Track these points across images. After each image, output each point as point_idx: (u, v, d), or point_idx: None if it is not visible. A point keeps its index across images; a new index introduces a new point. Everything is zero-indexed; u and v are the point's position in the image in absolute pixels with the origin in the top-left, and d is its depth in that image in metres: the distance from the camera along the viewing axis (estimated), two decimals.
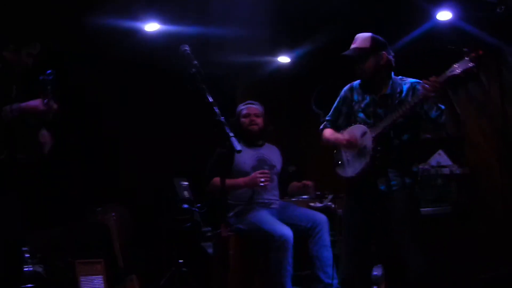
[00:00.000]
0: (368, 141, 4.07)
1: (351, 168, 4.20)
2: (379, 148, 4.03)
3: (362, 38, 4.20)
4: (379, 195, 4.11)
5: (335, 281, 4.87)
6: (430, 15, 6.10)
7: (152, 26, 6.51)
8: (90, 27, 6.08)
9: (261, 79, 8.37)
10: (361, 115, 4.25)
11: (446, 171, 5.96)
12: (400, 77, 4.24)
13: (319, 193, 6.29)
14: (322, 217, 5.01)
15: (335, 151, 4.40)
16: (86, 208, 6.38)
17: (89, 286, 5.56)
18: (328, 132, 4.49)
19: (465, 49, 3.73)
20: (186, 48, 3.75)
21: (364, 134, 4.13)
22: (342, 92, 4.45)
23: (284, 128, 8.16)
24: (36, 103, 3.83)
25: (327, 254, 4.92)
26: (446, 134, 4.12)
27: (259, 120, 5.35)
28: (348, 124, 4.34)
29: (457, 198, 5.96)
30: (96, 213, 6.20)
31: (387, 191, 4.09)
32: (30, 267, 5.39)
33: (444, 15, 6.07)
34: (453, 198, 5.93)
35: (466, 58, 3.72)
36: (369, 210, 4.17)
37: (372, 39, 4.16)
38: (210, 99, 3.59)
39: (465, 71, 3.71)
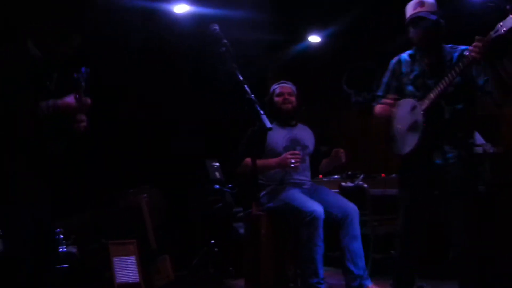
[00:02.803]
0: (418, 116, 3.95)
1: (405, 144, 4.07)
2: (430, 121, 3.91)
3: (429, 2, 3.99)
4: (435, 169, 3.99)
5: (365, 272, 4.83)
6: None
7: (181, 8, 6.51)
8: (117, 9, 6.08)
9: (291, 59, 8.35)
10: (410, 87, 4.13)
11: (479, 150, 5.87)
12: (450, 45, 4.07)
13: (350, 172, 6.27)
14: (353, 208, 4.93)
15: (388, 128, 4.27)
16: (118, 190, 6.43)
17: (122, 266, 5.61)
18: (378, 108, 4.37)
19: (507, 6, 3.50)
20: (216, 27, 3.75)
21: (413, 108, 4.00)
22: (390, 66, 4.31)
23: (315, 108, 8.15)
24: (70, 100, 3.85)
25: (357, 245, 4.85)
26: (493, 104, 3.92)
27: (293, 99, 5.30)
28: (399, 98, 4.19)
29: (491, 178, 5.88)
30: (128, 195, 6.25)
31: (443, 165, 3.96)
32: (65, 248, 5.47)
33: None
34: (487, 177, 5.85)
35: (510, 15, 3.49)
36: (424, 186, 4.07)
37: (437, 6, 3.99)
38: (241, 78, 3.59)
39: (510, 30, 3.49)
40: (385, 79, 4.36)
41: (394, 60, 4.31)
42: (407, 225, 4.18)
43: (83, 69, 3.81)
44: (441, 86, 3.85)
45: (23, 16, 5.11)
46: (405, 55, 4.24)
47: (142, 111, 7.21)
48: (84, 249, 5.79)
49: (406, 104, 4.09)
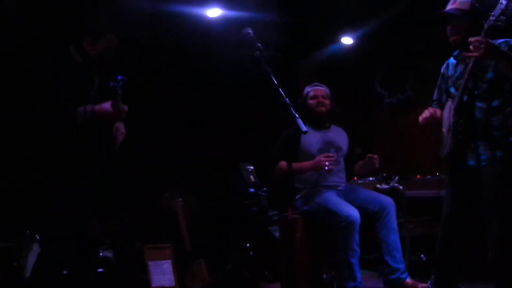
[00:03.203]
0: (451, 116, 3.89)
1: (445, 146, 4.00)
2: (461, 120, 3.84)
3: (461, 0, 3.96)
4: (470, 171, 3.90)
5: (402, 265, 4.81)
6: None
7: (214, 12, 6.53)
8: (149, 13, 6.11)
9: (324, 61, 8.33)
10: (452, 89, 4.06)
11: None
12: (499, 40, 3.89)
13: (385, 174, 6.22)
14: (389, 200, 4.95)
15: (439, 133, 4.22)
16: (153, 194, 6.45)
17: (158, 270, 5.63)
18: None
19: None
20: (249, 31, 3.77)
21: (450, 110, 3.95)
22: (441, 70, 4.26)
23: (348, 110, 8.12)
24: (107, 106, 3.94)
25: (395, 237, 4.85)
26: None
27: (327, 102, 5.30)
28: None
29: None
30: (163, 199, 6.27)
31: (476, 166, 3.87)
32: (100, 253, 5.51)
33: None
34: None
35: (499, 3, 3.51)
36: (463, 188, 4.01)
37: (472, 3, 3.92)
38: (275, 82, 3.59)
39: (501, 15, 3.50)
40: (438, 83, 4.31)
41: (444, 65, 4.25)
42: (447, 227, 4.11)
43: (119, 77, 3.88)
44: (463, 83, 3.82)
45: (65, 22, 5.18)
46: (452, 59, 4.17)
47: (177, 114, 7.23)
48: (119, 254, 5.83)
49: (448, 106, 4.04)
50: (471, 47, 3.60)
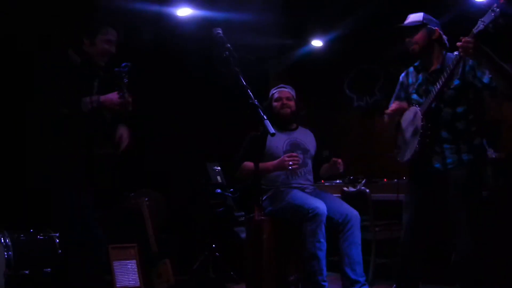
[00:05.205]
0: (418, 121, 3.98)
1: (408, 150, 4.10)
2: (429, 125, 3.93)
3: (414, 15, 4.14)
4: (435, 174, 3.99)
5: (363, 278, 4.81)
6: None
7: (184, 11, 6.50)
8: (119, 11, 6.06)
9: (294, 63, 8.35)
10: (415, 96, 4.18)
11: None
12: (455, 52, 3.98)
13: (352, 177, 6.24)
14: (353, 213, 4.93)
15: (397, 138, 4.32)
16: (119, 193, 6.41)
17: (122, 270, 5.61)
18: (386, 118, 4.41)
19: (495, 5, 3.56)
20: (219, 31, 3.75)
21: (415, 114, 4.04)
22: (400, 79, 4.38)
23: (317, 112, 8.15)
24: (113, 96, 3.85)
25: (356, 251, 4.83)
26: (501, 96, 3.95)
27: (291, 104, 5.30)
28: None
29: (493, 183, 5.85)
30: (129, 199, 6.24)
31: (442, 169, 3.97)
32: None
33: None
34: (489, 183, 5.83)
35: (490, 11, 3.58)
36: (427, 192, 4.07)
37: (425, 15, 4.10)
38: (243, 82, 3.59)
39: (491, 23, 3.57)
40: (396, 92, 4.43)
41: (403, 74, 4.38)
42: (410, 231, 4.16)
43: (124, 64, 3.80)
44: (436, 89, 3.91)
45: (64, 25, 5.12)
46: (412, 67, 4.30)
47: (143, 113, 7.18)
48: None
49: (410, 112, 4.14)
50: (459, 44, 3.69)
